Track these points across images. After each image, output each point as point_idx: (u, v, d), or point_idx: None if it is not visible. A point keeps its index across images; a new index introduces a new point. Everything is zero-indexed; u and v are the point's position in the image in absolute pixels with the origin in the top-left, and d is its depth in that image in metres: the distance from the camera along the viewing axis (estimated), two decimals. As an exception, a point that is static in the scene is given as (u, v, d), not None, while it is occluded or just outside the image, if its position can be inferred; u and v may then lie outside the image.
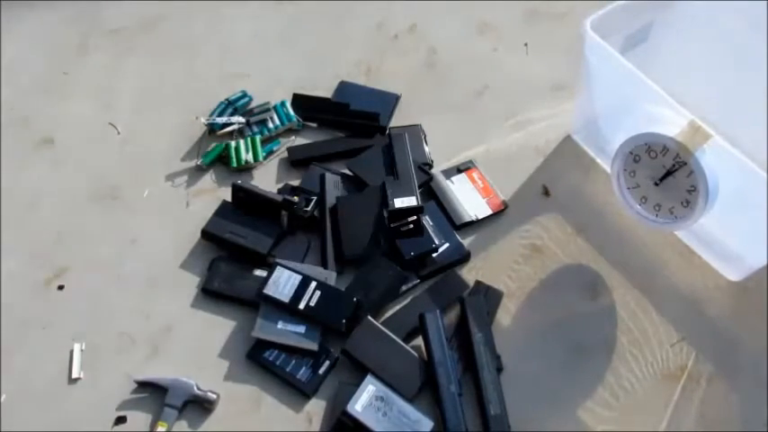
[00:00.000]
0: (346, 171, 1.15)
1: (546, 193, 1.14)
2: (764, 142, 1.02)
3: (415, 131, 1.19)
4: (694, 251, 1.07)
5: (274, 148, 1.20)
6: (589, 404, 0.94)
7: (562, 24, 1.38)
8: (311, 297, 0.99)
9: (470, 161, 1.18)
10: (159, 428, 0.90)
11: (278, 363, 0.96)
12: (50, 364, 0.99)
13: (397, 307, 1.03)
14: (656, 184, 0.96)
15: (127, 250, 1.10)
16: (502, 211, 1.12)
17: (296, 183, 1.15)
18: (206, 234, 1.08)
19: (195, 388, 0.93)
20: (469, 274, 1.06)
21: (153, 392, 0.95)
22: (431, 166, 1.16)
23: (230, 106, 1.23)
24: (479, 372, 0.94)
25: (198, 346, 1.00)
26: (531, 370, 0.97)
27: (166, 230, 1.11)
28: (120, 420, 0.93)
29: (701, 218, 0.92)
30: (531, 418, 0.93)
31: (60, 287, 1.06)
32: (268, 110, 1.22)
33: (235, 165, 1.16)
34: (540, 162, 1.18)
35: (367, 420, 0.89)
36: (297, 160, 1.18)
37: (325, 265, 1.05)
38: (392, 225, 1.05)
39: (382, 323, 0.99)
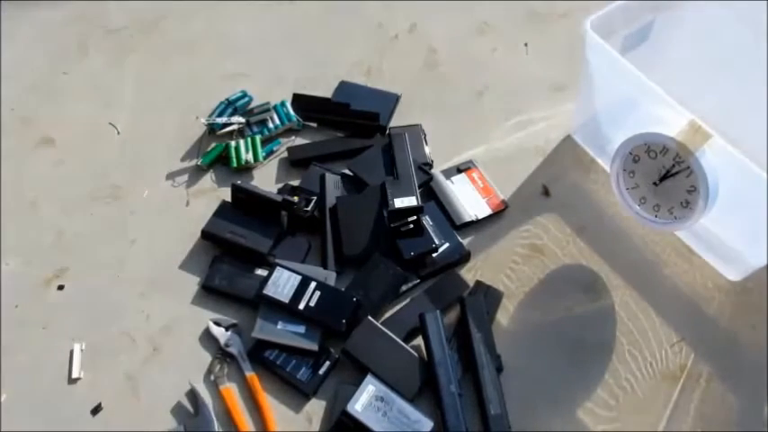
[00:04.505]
0: (346, 171, 1.15)
1: (546, 193, 1.14)
2: (764, 142, 1.02)
3: (415, 131, 1.19)
4: (694, 251, 1.07)
5: (274, 148, 1.20)
6: (589, 404, 0.94)
7: (562, 24, 1.38)
8: (311, 297, 0.99)
9: (470, 161, 1.18)
10: None
11: (278, 363, 0.96)
12: (50, 364, 0.99)
13: (397, 307, 1.03)
14: (656, 185, 0.96)
15: (127, 250, 1.10)
16: (502, 210, 1.12)
17: (296, 183, 1.15)
18: (206, 234, 1.08)
19: None
20: (469, 274, 1.06)
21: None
22: (431, 166, 1.16)
23: (230, 106, 1.23)
24: (479, 372, 0.94)
25: (198, 346, 1.00)
26: (531, 370, 0.97)
27: (166, 230, 1.11)
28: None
29: (700, 218, 0.92)
30: (531, 418, 0.93)
31: (60, 287, 1.06)
32: (268, 110, 1.22)
33: (235, 165, 1.16)
34: (540, 162, 1.18)
35: (367, 420, 0.89)
36: (297, 160, 1.18)
37: (325, 265, 1.05)
38: (392, 225, 1.05)
39: (382, 323, 0.99)
